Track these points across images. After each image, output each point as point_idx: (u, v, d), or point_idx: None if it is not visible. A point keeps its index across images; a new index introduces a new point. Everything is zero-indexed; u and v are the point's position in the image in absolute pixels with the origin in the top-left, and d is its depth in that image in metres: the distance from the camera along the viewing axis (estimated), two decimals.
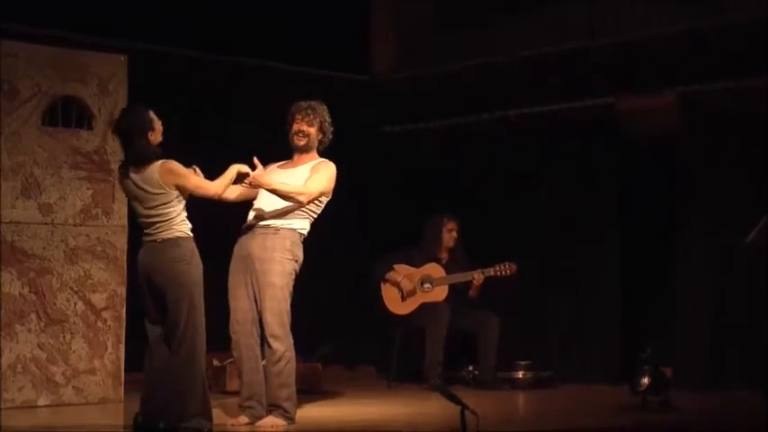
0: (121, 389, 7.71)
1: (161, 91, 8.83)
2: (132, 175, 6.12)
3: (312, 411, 7.23)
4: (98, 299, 7.66)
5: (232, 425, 6.51)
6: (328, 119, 6.72)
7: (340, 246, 9.40)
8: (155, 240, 6.13)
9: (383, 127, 10.34)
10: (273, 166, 6.73)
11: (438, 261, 9.04)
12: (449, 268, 8.98)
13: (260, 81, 9.67)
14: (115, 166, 6.39)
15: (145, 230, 6.19)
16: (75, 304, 7.58)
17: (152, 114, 6.21)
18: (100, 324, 7.66)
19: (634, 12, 9.03)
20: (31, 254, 7.45)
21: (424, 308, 8.89)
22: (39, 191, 7.50)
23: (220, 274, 6.62)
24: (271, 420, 6.45)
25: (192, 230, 6.25)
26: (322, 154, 6.77)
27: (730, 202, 8.36)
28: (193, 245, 6.16)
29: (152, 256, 6.14)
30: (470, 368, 8.99)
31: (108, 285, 7.70)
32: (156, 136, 6.19)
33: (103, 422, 7.05)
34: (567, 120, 9.23)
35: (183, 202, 6.16)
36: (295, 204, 6.52)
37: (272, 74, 9.75)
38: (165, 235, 6.11)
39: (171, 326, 6.10)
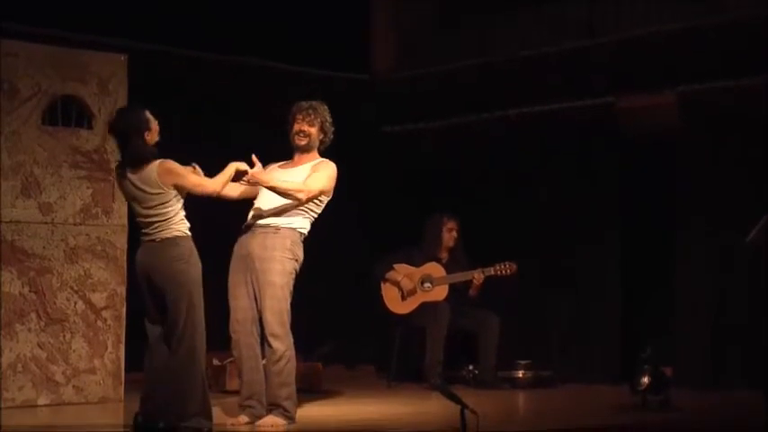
0: (121, 388, 7.71)
1: (161, 90, 8.85)
2: (130, 176, 6.12)
3: (312, 411, 7.23)
4: (98, 298, 7.66)
5: (232, 424, 6.51)
6: (329, 119, 6.73)
7: (340, 245, 9.40)
8: (153, 240, 6.13)
9: (383, 127, 10.34)
10: (274, 166, 6.73)
11: (438, 260, 9.04)
12: (449, 268, 8.98)
13: (260, 80, 9.67)
14: (115, 166, 6.38)
15: (143, 230, 6.19)
16: (76, 303, 7.58)
17: (148, 114, 6.21)
18: (100, 323, 7.67)
19: (634, 10, 9.03)
20: (31, 253, 7.45)
21: (425, 307, 8.89)
22: (39, 190, 7.50)
23: (220, 273, 6.62)
24: (271, 420, 6.45)
25: (192, 229, 6.25)
26: (323, 154, 6.77)
27: (730, 202, 8.36)
28: (192, 244, 6.16)
29: (151, 256, 6.14)
30: (470, 367, 8.99)
31: (108, 285, 7.70)
32: (153, 136, 6.19)
33: (103, 421, 7.05)
34: (567, 119, 9.23)
35: (182, 201, 6.16)
36: (294, 202, 6.52)
37: (272, 73, 9.75)
38: (164, 234, 6.11)
39: (170, 325, 6.09)
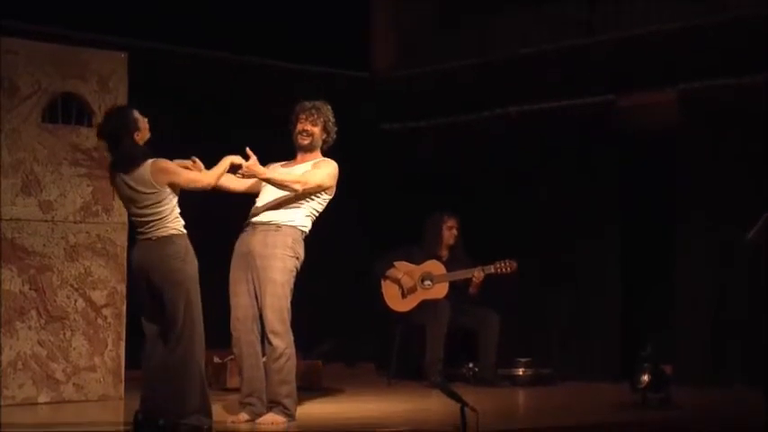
0: (122, 386, 7.71)
1: (161, 89, 8.86)
2: (123, 177, 6.09)
3: (312, 408, 7.23)
4: (98, 296, 7.66)
5: (232, 422, 6.51)
6: (332, 119, 6.73)
7: (340, 243, 9.40)
8: (149, 239, 6.12)
9: (383, 125, 10.35)
10: (276, 165, 6.73)
11: (438, 258, 9.04)
12: (449, 265, 8.99)
13: (260, 79, 9.67)
14: (108, 167, 6.35)
15: (138, 229, 6.18)
16: (76, 301, 7.58)
17: (136, 114, 6.19)
18: (100, 321, 7.67)
19: (633, 8, 9.03)
20: (31, 251, 7.45)
21: (425, 305, 8.90)
22: (39, 188, 7.50)
23: (221, 271, 6.62)
24: (271, 417, 6.45)
25: (192, 227, 6.24)
26: (325, 154, 6.78)
27: (730, 198, 8.37)
28: (187, 241, 6.15)
29: (147, 254, 6.13)
30: (470, 365, 8.99)
31: (108, 282, 7.70)
32: (143, 134, 6.17)
33: (104, 419, 7.05)
34: (568, 117, 9.24)
35: (176, 198, 6.14)
36: (295, 199, 6.52)
37: (273, 72, 9.75)
38: (160, 233, 6.09)
39: (169, 324, 6.08)
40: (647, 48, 8.89)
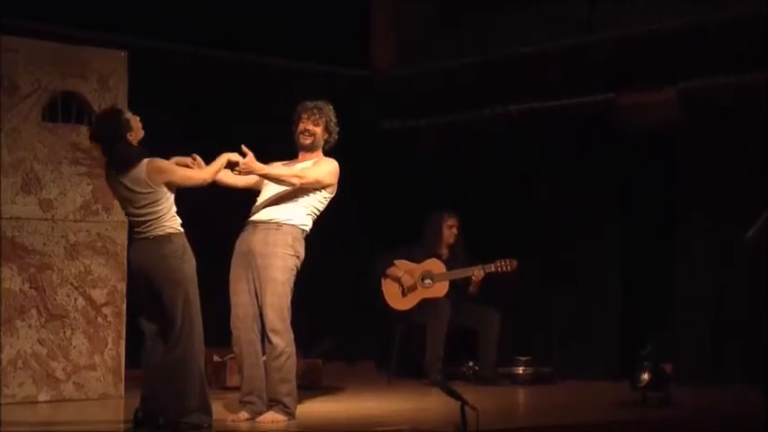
0: (122, 385, 7.71)
1: (161, 87, 8.86)
2: (119, 178, 6.09)
3: (312, 407, 7.23)
4: (98, 294, 7.66)
5: (232, 420, 6.51)
6: (334, 119, 6.74)
7: (340, 242, 9.40)
8: (146, 238, 6.12)
9: (383, 123, 10.34)
10: (278, 164, 6.73)
11: (438, 257, 9.04)
12: (449, 264, 8.99)
13: (260, 77, 9.67)
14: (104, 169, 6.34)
15: (135, 228, 6.18)
16: (76, 300, 7.58)
17: (128, 114, 6.18)
18: (100, 320, 7.67)
19: (633, 7, 9.03)
20: (31, 249, 7.45)
21: (425, 303, 8.90)
22: (39, 186, 7.50)
23: (221, 269, 6.62)
24: (271, 416, 6.45)
25: (192, 226, 6.25)
26: (327, 154, 6.78)
27: (730, 197, 8.37)
28: (185, 240, 6.15)
29: (145, 253, 6.13)
30: (471, 364, 9.00)
31: (108, 281, 7.70)
32: (137, 134, 6.16)
33: (104, 418, 7.05)
34: (568, 116, 9.24)
35: (172, 196, 6.14)
36: (292, 193, 6.52)
37: (273, 70, 9.75)
38: (157, 232, 6.09)
39: (168, 323, 6.08)
40: (648, 46, 8.88)
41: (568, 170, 9.23)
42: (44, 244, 7.49)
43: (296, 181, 6.52)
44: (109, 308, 7.69)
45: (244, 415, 6.53)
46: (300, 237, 6.57)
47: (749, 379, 7.91)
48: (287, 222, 6.53)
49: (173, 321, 6.06)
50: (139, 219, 6.11)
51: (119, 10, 8.63)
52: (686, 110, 8.68)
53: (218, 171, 6.31)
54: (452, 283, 8.92)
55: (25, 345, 7.39)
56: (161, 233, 6.09)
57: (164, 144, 6.40)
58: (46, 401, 7.42)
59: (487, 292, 8.92)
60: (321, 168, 6.63)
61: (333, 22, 9.86)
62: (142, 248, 6.14)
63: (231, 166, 6.39)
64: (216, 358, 8.24)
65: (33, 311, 7.43)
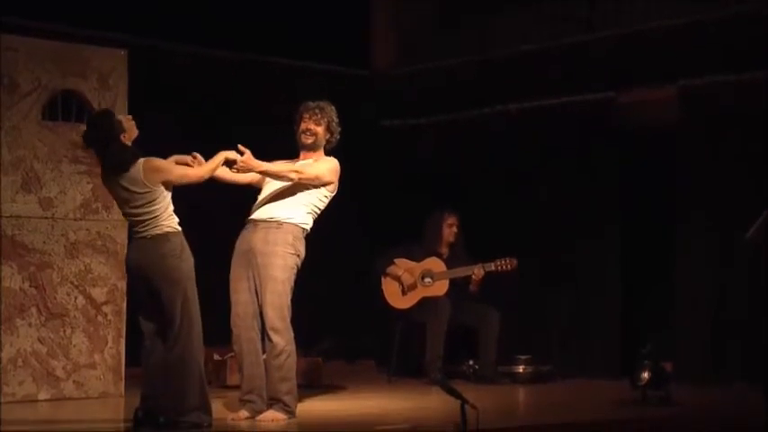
0: (122, 383, 7.71)
1: (161, 86, 8.85)
2: (116, 179, 6.09)
3: (313, 405, 7.23)
4: (98, 293, 7.67)
5: (232, 419, 6.51)
6: (336, 119, 6.75)
7: (340, 241, 9.39)
8: (144, 237, 6.11)
9: (383, 122, 10.34)
10: (278, 162, 6.73)
11: (439, 256, 9.04)
12: (449, 263, 8.99)
13: (260, 76, 9.66)
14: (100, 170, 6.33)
15: (133, 228, 6.18)
16: (76, 298, 7.59)
17: (119, 116, 6.17)
18: (100, 318, 7.67)
19: (633, 5, 9.03)
20: (31, 248, 7.45)
21: (425, 302, 8.90)
22: (39, 185, 7.50)
23: (221, 268, 6.62)
24: (271, 414, 6.45)
25: (192, 225, 6.25)
26: (328, 154, 6.79)
27: (730, 196, 8.36)
28: (183, 238, 6.15)
29: (143, 253, 6.12)
30: (471, 362, 8.99)
31: (108, 280, 7.70)
32: (131, 134, 6.15)
33: (104, 416, 7.05)
34: (568, 114, 9.23)
35: (169, 195, 6.14)
36: (292, 191, 6.53)
37: (273, 69, 9.74)
38: (155, 231, 6.09)
39: (167, 323, 6.08)
40: (647, 44, 8.88)
41: (568, 169, 9.23)
42: (44, 242, 7.49)
43: (294, 176, 6.53)
44: (109, 306, 7.70)
45: (244, 413, 6.53)
46: (301, 235, 6.57)
47: (749, 378, 7.91)
48: (287, 221, 6.53)
49: (171, 320, 6.06)
50: (137, 218, 6.11)
51: (119, 9, 8.63)
52: (686, 108, 8.67)
53: (214, 168, 6.31)
54: (452, 282, 8.92)
55: (25, 343, 7.39)
56: (159, 232, 6.09)
57: (164, 143, 6.40)
58: (46, 400, 7.42)
59: (488, 290, 8.92)
60: (320, 165, 6.64)
61: (333, 21, 9.85)
62: (140, 248, 6.14)
63: (229, 164, 6.40)
64: (216, 357, 8.24)
65: (33, 310, 7.43)
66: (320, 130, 6.70)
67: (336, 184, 6.68)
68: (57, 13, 8.34)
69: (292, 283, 6.52)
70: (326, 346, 9.39)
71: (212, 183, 6.49)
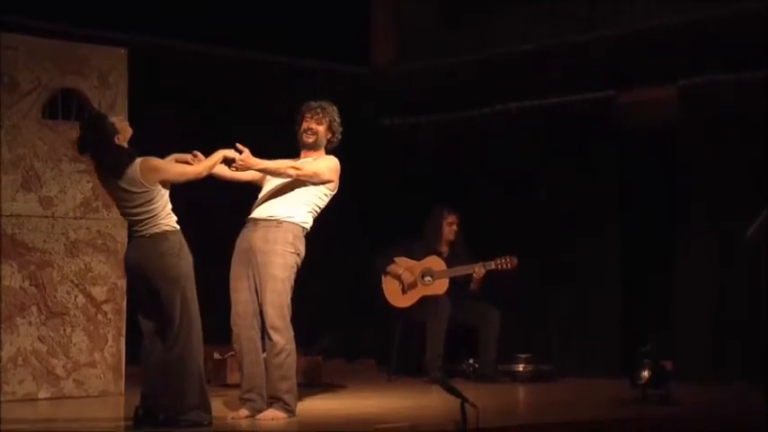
0: (122, 382, 7.72)
1: (161, 84, 8.85)
2: (114, 180, 6.08)
3: (312, 404, 7.23)
4: (98, 292, 7.67)
5: (232, 418, 6.51)
6: (338, 119, 6.75)
7: (340, 240, 9.40)
8: (143, 236, 6.11)
9: (383, 120, 10.34)
10: (278, 161, 6.73)
11: (439, 254, 9.04)
12: (449, 261, 8.99)
13: (260, 75, 9.67)
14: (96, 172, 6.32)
15: (132, 227, 6.18)
16: (76, 297, 7.59)
17: (111, 118, 6.15)
18: (100, 317, 7.67)
19: (633, 5, 9.03)
20: (31, 247, 7.45)
21: (425, 301, 8.90)
22: (39, 184, 7.50)
23: (221, 267, 6.62)
24: (271, 413, 6.45)
25: (192, 224, 6.25)
26: (328, 153, 6.79)
27: (730, 196, 8.36)
28: (181, 237, 6.15)
29: (142, 252, 6.12)
30: (471, 361, 8.99)
31: (108, 278, 7.70)
32: (125, 134, 6.13)
33: (104, 415, 7.05)
34: (568, 113, 9.23)
35: (167, 193, 6.13)
36: (292, 188, 6.53)
37: (273, 68, 9.75)
38: (153, 230, 6.08)
39: (166, 322, 6.08)
40: (647, 43, 8.88)
41: (568, 169, 9.23)
42: (44, 241, 7.49)
43: (292, 172, 6.53)
44: (109, 305, 7.70)
45: (244, 412, 6.53)
46: (301, 234, 6.57)
47: (749, 378, 7.91)
48: (287, 220, 6.53)
49: (171, 319, 6.06)
50: (135, 218, 6.11)
51: (119, 7, 8.63)
52: (686, 107, 8.68)
53: (212, 166, 6.30)
54: (453, 281, 8.92)
55: (25, 342, 7.39)
56: (157, 231, 6.08)
57: (164, 141, 6.39)
58: (46, 399, 7.42)
59: (488, 289, 8.92)
60: (320, 163, 6.65)
61: (333, 19, 9.85)
62: (139, 247, 6.14)
63: (228, 162, 6.40)
64: (216, 356, 8.24)
65: (33, 309, 7.43)
66: (321, 129, 6.71)
67: (337, 182, 6.68)
68: (57, 11, 8.34)
69: (292, 282, 6.52)
70: (326, 344, 9.39)
71: (212, 181, 6.50)
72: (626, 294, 9.03)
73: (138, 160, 6.06)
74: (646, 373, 7.27)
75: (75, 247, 7.59)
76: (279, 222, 6.52)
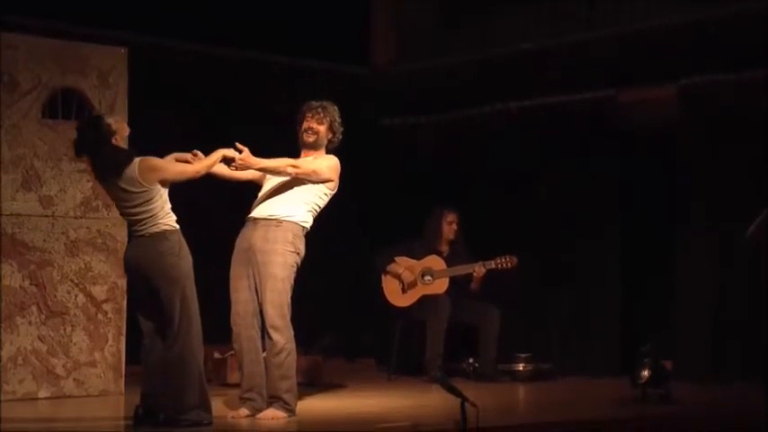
0: (122, 381, 7.72)
1: (161, 84, 8.85)
2: (113, 180, 6.07)
3: (313, 403, 7.23)
4: (99, 291, 7.67)
5: (232, 417, 6.51)
6: (339, 119, 6.76)
7: (340, 240, 9.40)
8: (143, 235, 6.11)
9: (383, 120, 10.34)
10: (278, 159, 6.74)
11: (439, 253, 9.04)
12: (450, 261, 8.99)
13: (260, 74, 9.66)
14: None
15: (131, 227, 6.18)
16: (76, 296, 7.59)
17: (107, 119, 6.15)
18: (100, 316, 7.67)
19: (634, 4, 9.03)
20: (31, 246, 7.45)
21: (425, 300, 8.90)
22: (39, 183, 7.50)
23: (221, 266, 6.63)
24: (271, 413, 6.46)
25: (192, 223, 6.25)
26: (328, 152, 6.79)
27: (730, 196, 8.36)
28: (181, 236, 6.15)
29: (141, 251, 6.11)
30: (471, 360, 8.99)
31: (108, 278, 7.70)
32: (122, 134, 6.13)
33: (104, 415, 7.05)
34: (568, 112, 9.23)
35: (166, 192, 6.12)
36: (291, 188, 6.54)
37: (273, 67, 9.74)
38: (153, 229, 6.08)
39: (166, 321, 6.08)
40: (648, 43, 8.88)
41: (568, 169, 9.22)
42: (44, 241, 7.50)
43: (292, 170, 6.54)
44: (109, 304, 7.70)
45: (244, 412, 6.53)
46: (301, 234, 6.57)
47: (749, 377, 7.91)
48: (287, 219, 6.53)
49: (170, 319, 6.06)
50: (134, 217, 6.11)
51: (119, 7, 8.63)
52: (686, 107, 8.67)
53: (211, 165, 6.30)
54: (453, 280, 8.92)
55: (25, 341, 7.39)
56: (157, 230, 6.08)
57: (164, 141, 6.39)
58: (46, 398, 7.42)
59: (488, 288, 8.92)
60: (319, 161, 6.66)
61: (333, 19, 9.85)
62: (138, 246, 6.14)
63: (227, 161, 6.40)
64: (216, 355, 8.24)
65: (33, 308, 7.43)
66: (322, 129, 6.71)
67: (336, 182, 6.68)
68: (57, 11, 8.34)
69: (292, 282, 6.52)
70: (326, 343, 9.40)
71: (212, 180, 6.50)
72: (626, 294, 9.02)
73: (137, 160, 6.05)
74: (646, 373, 7.27)
75: (76, 246, 7.59)
76: (279, 222, 6.52)
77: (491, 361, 8.83)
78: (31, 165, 7.48)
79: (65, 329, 7.53)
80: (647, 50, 8.89)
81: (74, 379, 7.56)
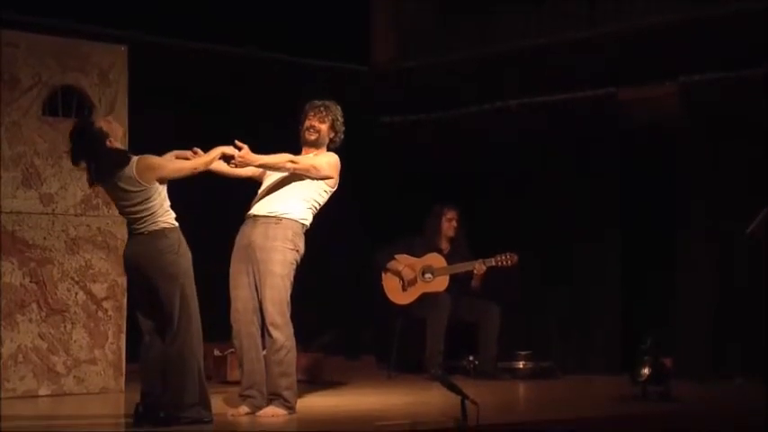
0: (122, 379, 7.72)
1: (161, 82, 8.85)
2: (112, 180, 6.06)
3: (313, 401, 7.23)
4: (99, 289, 7.67)
5: (232, 414, 6.51)
6: (341, 118, 6.76)
7: (340, 237, 9.40)
8: (142, 233, 6.11)
9: (383, 118, 10.34)
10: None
11: (439, 251, 9.04)
12: (450, 258, 8.99)
13: (260, 72, 9.66)
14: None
15: (131, 225, 6.18)
16: (76, 294, 7.59)
17: (98, 123, 6.12)
18: (101, 314, 7.68)
19: (634, 2, 9.02)
20: (31, 244, 7.46)
21: (425, 298, 8.90)
22: (39, 181, 7.51)
23: (221, 263, 6.63)
24: (271, 410, 6.46)
25: (192, 220, 6.25)
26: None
27: (731, 194, 8.36)
28: (180, 234, 6.14)
29: (140, 249, 6.10)
30: (471, 358, 9.00)
31: (109, 275, 7.70)
32: (116, 135, 6.10)
33: (104, 412, 7.06)
34: (568, 110, 9.23)
35: (164, 190, 6.11)
36: (284, 172, 6.55)
37: (273, 66, 9.74)
38: (152, 227, 6.07)
39: (165, 319, 6.08)
40: (648, 41, 8.88)
41: (568, 167, 9.22)
42: (44, 238, 7.50)
43: (290, 166, 6.54)
44: (109, 302, 7.70)
45: (244, 409, 6.53)
46: (300, 231, 6.58)
47: (749, 375, 7.91)
48: (287, 216, 6.54)
49: (170, 317, 6.06)
50: (133, 216, 6.10)
51: (119, 4, 8.63)
52: (686, 105, 8.67)
53: (209, 162, 6.29)
54: (454, 278, 8.92)
55: (26, 339, 7.40)
56: (156, 228, 6.08)
57: (163, 139, 6.38)
58: (46, 396, 7.43)
59: (488, 286, 8.92)
60: (319, 158, 6.66)
61: (333, 18, 9.85)
62: (137, 244, 6.13)
63: (227, 159, 6.40)
64: (216, 353, 8.24)
65: (34, 306, 7.44)
66: (324, 127, 6.72)
67: (336, 179, 6.68)
68: (57, 8, 8.34)
69: (292, 279, 6.52)
70: (327, 341, 9.40)
71: (211, 177, 6.50)
72: (626, 292, 9.02)
73: (135, 159, 6.05)
74: (646, 371, 7.27)
75: (76, 244, 7.60)
76: (278, 219, 6.52)
77: (491, 359, 8.83)
78: (31, 162, 7.48)
79: (65, 327, 7.54)
80: (648, 49, 8.89)
81: (74, 376, 7.57)
